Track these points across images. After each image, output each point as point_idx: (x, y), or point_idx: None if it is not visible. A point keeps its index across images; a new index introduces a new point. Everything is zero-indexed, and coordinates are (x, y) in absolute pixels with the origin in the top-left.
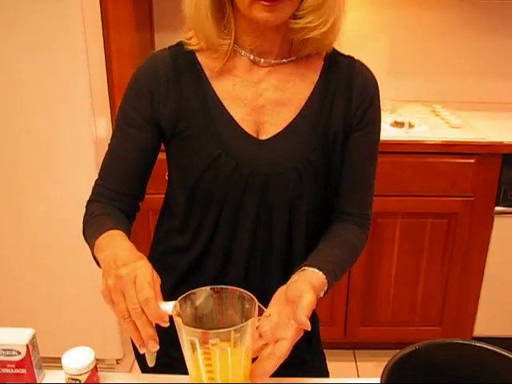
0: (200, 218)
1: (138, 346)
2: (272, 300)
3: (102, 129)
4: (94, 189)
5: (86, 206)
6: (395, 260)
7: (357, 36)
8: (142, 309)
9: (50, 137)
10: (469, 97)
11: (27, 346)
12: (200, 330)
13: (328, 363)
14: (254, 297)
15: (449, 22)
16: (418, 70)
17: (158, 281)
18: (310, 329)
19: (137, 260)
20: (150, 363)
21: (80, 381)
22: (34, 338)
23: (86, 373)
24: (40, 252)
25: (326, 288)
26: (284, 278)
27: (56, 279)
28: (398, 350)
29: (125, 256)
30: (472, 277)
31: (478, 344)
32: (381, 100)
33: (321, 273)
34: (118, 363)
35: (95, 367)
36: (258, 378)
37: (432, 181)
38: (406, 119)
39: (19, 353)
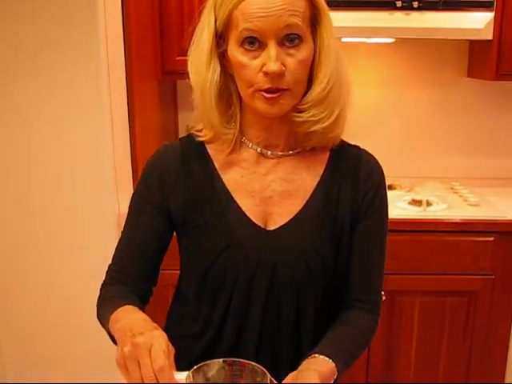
0: (210, 306)
1: None
2: None
3: (125, 205)
4: (107, 273)
5: (100, 290)
6: (415, 340)
7: (372, 115)
8: (157, 377)
9: (73, 211)
10: (487, 173)
11: None
12: None
13: None
14: (266, 371)
15: (465, 99)
16: (435, 147)
17: (173, 351)
18: None
19: (152, 329)
20: None
21: None
22: None
23: None
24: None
25: (335, 376)
26: (293, 362)
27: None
28: None
29: (140, 325)
30: (495, 358)
31: None
32: (398, 178)
33: (331, 361)
34: None
35: None
36: None
37: (451, 259)
38: (424, 197)
39: None
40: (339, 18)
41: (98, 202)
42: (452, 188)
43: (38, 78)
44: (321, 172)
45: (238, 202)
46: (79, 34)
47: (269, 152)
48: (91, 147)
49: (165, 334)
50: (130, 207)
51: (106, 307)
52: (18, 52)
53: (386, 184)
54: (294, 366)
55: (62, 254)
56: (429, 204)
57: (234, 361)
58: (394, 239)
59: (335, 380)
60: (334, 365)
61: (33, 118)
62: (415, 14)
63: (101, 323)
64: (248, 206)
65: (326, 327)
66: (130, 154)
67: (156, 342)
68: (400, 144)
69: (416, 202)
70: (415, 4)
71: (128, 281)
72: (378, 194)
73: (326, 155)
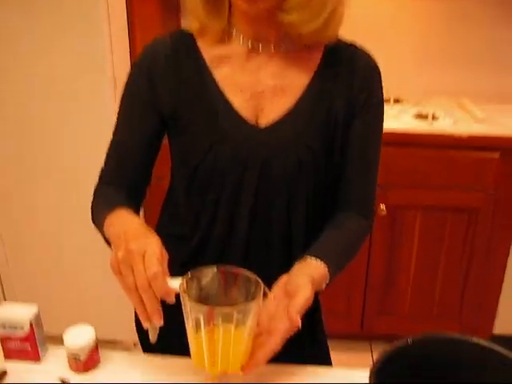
0: (199, 205)
1: (142, 321)
2: (272, 289)
3: None
4: (100, 177)
5: (94, 194)
6: (415, 253)
7: (381, 27)
8: (150, 283)
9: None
10: (497, 90)
11: (31, 323)
12: (205, 306)
13: (343, 354)
14: (260, 280)
15: (477, 13)
16: (446, 62)
17: (166, 257)
18: (299, 327)
19: (147, 235)
20: (152, 339)
21: (80, 358)
22: (38, 314)
23: (86, 350)
24: (55, 235)
25: (327, 279)
26: (283, 265)
27: (75, 260)
28: None
29: (135, 230)
30: (493, 274)
31: (474, 340)
32: (406, 92)
33: (323, 264)
34: (135, 346)
35: (96, 345)
36: (251, 368)
37: (454, 175)
38: (430, 111)
39: (23, 328)
40: None
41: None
42: (460, 103)
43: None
44: (315, 68)
45: (228, 97)
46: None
47: (260, 47)
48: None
49: (159, 240)
50: (120, 106)
51: (100, 210)
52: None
53: (390, 99)
54: (283, 270)
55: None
56: (435, 118)
57: (227, 269)
58: (398, 153)
59: (327, 284)
60: (326, 268)
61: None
62: None
63: (96, 227)
64: (238, 102)
65: (317, 230)
66: None
67: (149, 249)
68: (409, 57)
69: (422, 116)
70: None
71: (121, 183)
72: (374, 91)
73: (321, 52)
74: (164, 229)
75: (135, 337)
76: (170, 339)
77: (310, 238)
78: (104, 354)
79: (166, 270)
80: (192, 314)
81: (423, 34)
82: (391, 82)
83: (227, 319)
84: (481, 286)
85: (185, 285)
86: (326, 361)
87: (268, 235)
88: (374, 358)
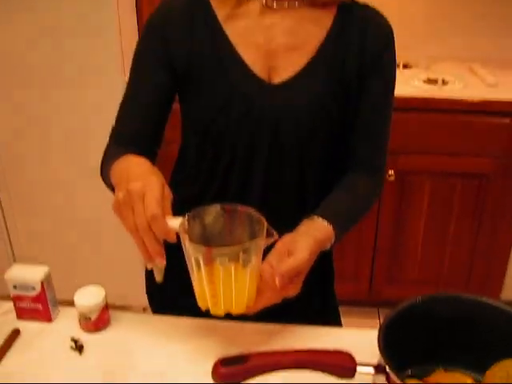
0: (211, 164)
1: (145, 261)
2: (276, 245)
3: None
4: (111, 134)
5: (104, 152)
6: (424, 218)
7: None
8: (150, 225)
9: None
10: (508, 54)
11: (42, 283)
12: (204, 247)
13: (351, 320)
14: (263, 218)
15: None
16: (456, 26)
17: (169, 196)
18: (276, 287)
19: (149, 175)
20: (158, 278)
21: (90, 318)
22: (49, 275)
23: (96, 310)
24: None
25: (333, 240)
26: (297, 223)
27: (86, 225)
28: None
29: (138, 170)
30: (501, 240)
31: (480, 299)
32: (416, 57)
33: (330, 226)
34: (144, 311)
35: (106, 306)
36: (256, 308)
37: (464, 140)
38: (440, 76)
39: (34, 288)
40: None
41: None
42: (471, 69)
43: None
44: (329, 25)
45: (242, 54)
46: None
47: (274, 3)
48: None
49: (161, 179)
50: (132, 63)
51: (108, 164)
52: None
53: (399, 64)
54: (297, 224)
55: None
56: (445, 83)
57: (232, 207)
58: (407, 118)
59: (332, 244)
60: (331, 229)
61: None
62: None
63: (103, 180)
64: (252, 59)
65: (330, 186)
66: None
67: (149, 190)
68: (419, 22)
69: (431, 81)
70: None
71: (132, 141)
72: (387, 49)
73: (334, 10)
74: (176, 190)
75: (145, 301)
76: (177, 298)
77: (323, 194)
78: (114, 314)
79: (168, 209)
80: (192, 254)
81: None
82: (400, 46)
83: (228, 259)
84: (489, 252)
85: (186, 225)
86: (336, 324)
87: (282, 191)
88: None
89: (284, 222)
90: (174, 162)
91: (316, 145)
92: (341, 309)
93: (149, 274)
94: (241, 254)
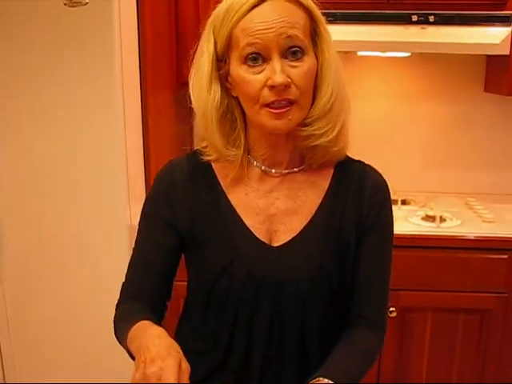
0: (216, 324)
1: None
2: None
3: (138, 216)
4: (121, 291)
5: (116, 308)
6: (426, 357)
7: (387, 129)
8: None
9: (86, 222)
10: (503, 189)
11: None
12: None
13: None
14: None
15: (482, 114)
16: (452, 162)
17: (187, 371)
18: None
19: (166, 357)
20: None
21: None
22: None
23: None
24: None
25: None
26: (299, 379)
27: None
28: None
29: (154, 348)
30: (509, 373)
31: None
32: (412, 193)
33: None
34: None
35: None
36: None
37: (464, 276)
38: (438, 213)
39: None
40: (355, 32)
41: (110, 214)
42: (467, 204)
43: (55, 90)
44: (325, 188)
45: (243, 219)
46: (95, 46)
47: (273, 170)
48: (104, 158)
49: (177, 359)
50: (139, 224)
51: (122, 325)
52: (36, 67)
53: (398, 200)
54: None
55: (74, 266)
56: (442, 220)
57: None
58: (407, 255)
59: None
60: None
61: (46, 125)
62: (431, 29)
63: (119, 341)
64: (253, 224)
65: (331, 341)
66: (143, 166)
67: (165, 373)
68: (416, 159)
69: (429, 218)
70: (431, 18)
71: (142, 298)
72: (384, 209)
73: (331, 171)
74: (184, 343)
75: None
76: None
77: (324, 352)
78: None
79: (187, 381)
80: None
81: (429, 137)
82: (398, 183)
83: None
84: None
85: None
86: None
87: (283, 350)
88: None
89: (286, 379)
90: (182, 311)
91: (317, 303)
92: None
93: None
94: None
